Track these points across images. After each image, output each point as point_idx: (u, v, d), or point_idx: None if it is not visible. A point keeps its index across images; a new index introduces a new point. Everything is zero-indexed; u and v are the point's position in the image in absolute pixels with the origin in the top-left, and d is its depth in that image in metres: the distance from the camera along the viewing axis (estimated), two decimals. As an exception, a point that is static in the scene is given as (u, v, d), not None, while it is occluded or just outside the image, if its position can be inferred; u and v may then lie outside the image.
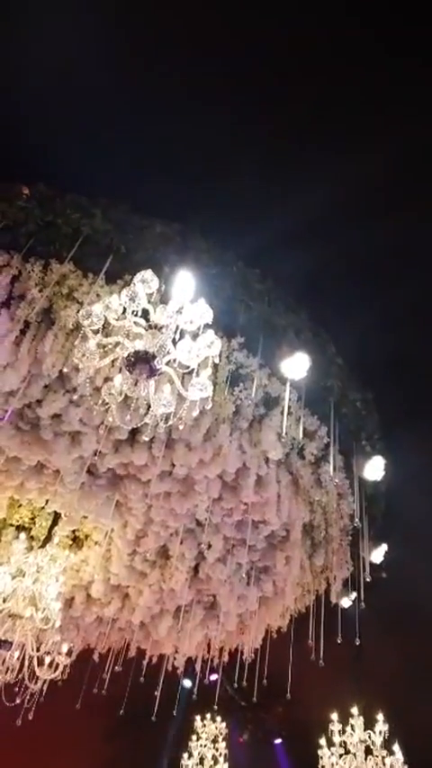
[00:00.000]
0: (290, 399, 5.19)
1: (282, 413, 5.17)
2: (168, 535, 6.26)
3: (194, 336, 3.36)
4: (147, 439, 4.88)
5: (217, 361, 3.55)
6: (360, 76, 5.17)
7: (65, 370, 4.72)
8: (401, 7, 4.96)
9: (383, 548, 6.60)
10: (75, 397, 4.86)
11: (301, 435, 5.31)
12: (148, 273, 3.39)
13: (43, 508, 6.47)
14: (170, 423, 3.46)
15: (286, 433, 5.20)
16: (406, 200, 5.60)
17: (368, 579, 6.12)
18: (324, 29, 4.98)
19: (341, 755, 7.82)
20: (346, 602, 6.71)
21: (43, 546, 6.31)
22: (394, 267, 5.95)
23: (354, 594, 6.54)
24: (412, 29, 4.99)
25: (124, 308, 3.33)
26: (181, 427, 3.79)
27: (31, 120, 5.32)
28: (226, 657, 7.70)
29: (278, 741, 12.39)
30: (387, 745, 7.68)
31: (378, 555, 6.54)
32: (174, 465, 5.41)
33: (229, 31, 5.00)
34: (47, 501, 6.26)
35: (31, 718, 6.67)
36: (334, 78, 5.15)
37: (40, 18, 4.83)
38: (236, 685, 7.58)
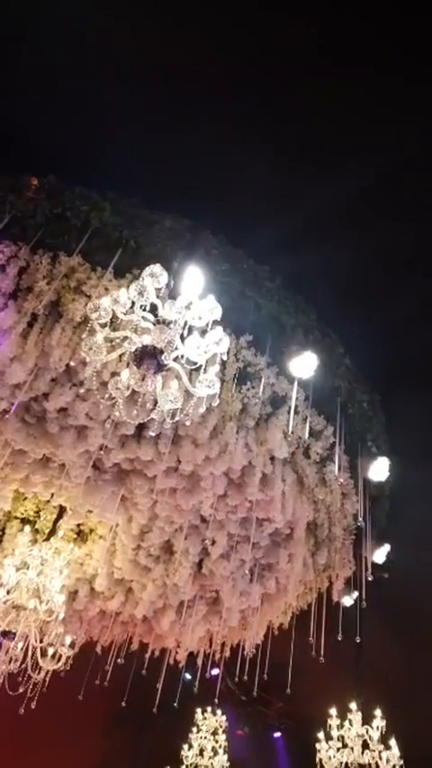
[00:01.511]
0: (297, 399, 5.17)
1: (288, 412, 5.15)
2: (173, 531, 6.28)
3: (203, 333, 3.33)
4: (153, 435, 4.87)
5: (225, 358, 3.52)
6: (373, 73, 5.07)
7: (72, 363, 4.71)
8: (407, 6, 4.85)
9: (386, 548, 6.60)
10: (81, 391, 4.85)
11: (307, 435, 5.29)
12: (156, 268, 3.34)
13: (48, 501, 6.49)
14: (177, 419, 3.44)
15: (292, 432, 5.18)
16: (420, 201, 5.51)
17: (370, 578, 6.12)
18: (330, 29, 4.89)
19: (339, 749, 7.86)
20: (347, 601, 6.71)
21: (48, 539, 6.34)
22: (406, 269, 5.88)
23: (355, 593, 6.55)
24: (419, 27, 4.88)
25: (132, 303, 3.30)
26: (188, 423, 3.78)
27: (42, 114, 5.28)
28: (227, 652, 7.74)
29: (277, 734, 12.49)
30: (384, 739, 7.71)
31: (380, 555, 6.54)
32: (180, 461, 5.41)
33: (236, 30, 4.93)
34: (52, 494, 6.28)
35: (33, 707, 6.74)
36: (347, 74, 5.06)
37: (53, 20, 4.79)
38: (237, 679, 7.62)
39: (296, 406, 5.19)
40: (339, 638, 6.30)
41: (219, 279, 4.65)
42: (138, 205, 4.90)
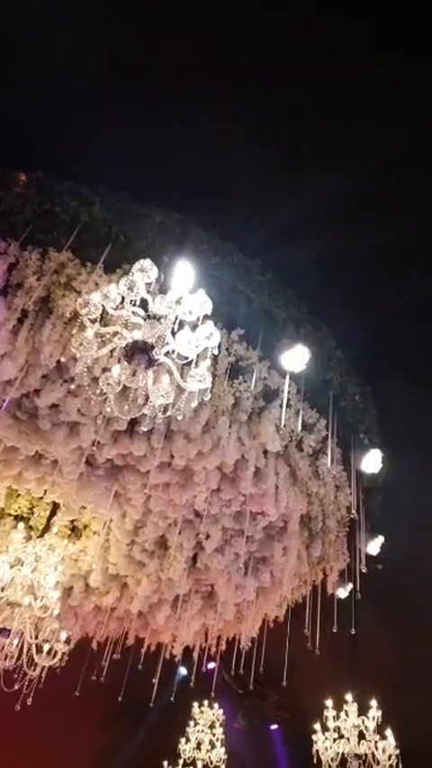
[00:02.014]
0: (289, 392, 5.18)
1: (281, 405, 5.17)
2: (167, 525, 6.28)
3: (193, 327, 3.32)
4: (145, 430, 4.86)
5: (216, 352, 3.51)
6: (365, 69, 5.07)
7: (63, 359, 4.69)
8: (405, 5, 4.85)
9: (380, 539, 6.66)
10: (72, 388, 4.83)
11: (299, 428, 5.32)
12: (146, 263, 3.33)
13: (42, 498, 6.48)
14: (169, 414, 3.43)
15: (285, 426, 5.20)
16: (412, 196, 5.53)
17: (364, 570, 6.17)
18: (327, 27, 4.88)
19: (335, 740, 7.95)
20: (342, 593, 6.77)
21: (42, 536, 6.34)
22: (397, 263, 5.91)
23: (350, 585, 6.60)
24: (417, 26, 4.88)
25: (123, 298, 3.29)
26: (180, 418, 3.78)
27: (31, 109, 5.22)
28: (223, 646, 7.78)
29: (274, 727, 12.59)
30: (380, 730, 7.80)
31: (374, 546, 6.60)
32: (173, 456, 5.41)
33: (233, 28, 4.90)
34: (45, 491, 6.27)
35: (30, 703, 6.75)
36: (338, 71, 5.05)
37: (45, 15, 4.73)
38: (233, 673, 7.66)
39: (288, 400, 5.21)
40: (334, 630, 6.35)
41: (209, 273, 4.64)
42: (127, 200, 4.88)
